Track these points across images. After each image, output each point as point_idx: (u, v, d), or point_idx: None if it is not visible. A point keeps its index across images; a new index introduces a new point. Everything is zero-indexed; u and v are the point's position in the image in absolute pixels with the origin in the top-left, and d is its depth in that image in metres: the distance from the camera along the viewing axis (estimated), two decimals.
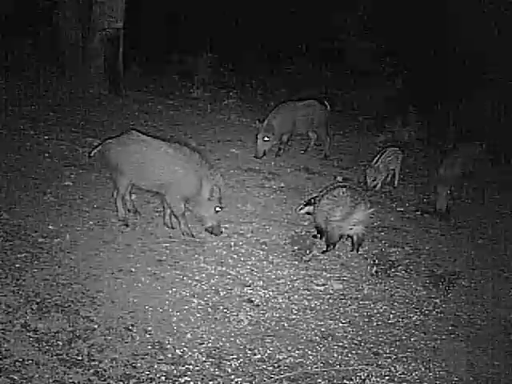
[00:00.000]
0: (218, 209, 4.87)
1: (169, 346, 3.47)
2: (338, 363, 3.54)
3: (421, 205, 6.75)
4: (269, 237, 5.23)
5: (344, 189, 5.04)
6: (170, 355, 3.40)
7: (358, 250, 5.08)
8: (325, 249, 5.03)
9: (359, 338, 3.85)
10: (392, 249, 5.35)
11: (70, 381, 3.02)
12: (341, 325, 3.99)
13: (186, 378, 3.22)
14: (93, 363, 3.19)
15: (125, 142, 4.85)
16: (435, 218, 6.42)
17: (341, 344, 3.76)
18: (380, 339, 3.87)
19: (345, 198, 4.95)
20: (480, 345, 3.94)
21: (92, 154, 5.14)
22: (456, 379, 3.54)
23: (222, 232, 4.99)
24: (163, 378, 3.19)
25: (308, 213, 5.42)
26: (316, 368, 3.47)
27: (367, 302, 4.36)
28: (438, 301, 4.52)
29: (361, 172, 7.36)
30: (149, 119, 8.16)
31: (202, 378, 3.23)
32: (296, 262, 4.83)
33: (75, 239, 4.56)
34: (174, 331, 3.64)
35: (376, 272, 4.80)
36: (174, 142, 4.95)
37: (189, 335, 3.62)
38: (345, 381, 3.38)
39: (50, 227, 4.68)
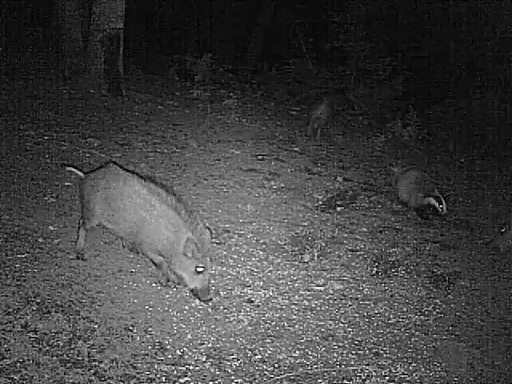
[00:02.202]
0: (199, 269, 3.81)
1: (169, 347, 3.47)
2: (338, 363, 3.54)
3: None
4: (269, 237, 5.23)
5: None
6: (170, 355, 3.39)
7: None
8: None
9: (359, 338, 3.85)
10: (392, 249, 5.35)
11: (70, 381, 3.02)
12: (341, 325, 3.99)
13: (186, 378, 3.22)
14: (93, 363, 3.19)
15: (100, 176, 4.16)
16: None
17: (341, 344, 3.76)
18: (380, 339, 3.87)
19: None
20: (480, 345, 3.94)
21: (68, 169, 4.67)
22: (456, 379, 3.53)
23: (211, 298, 3.94)
24: (163, 378, 3.19)
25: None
26: (316, 368, 3.46)
27: (367, 302, 4.35)
28: (438, 301, 4.51)
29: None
30: (149, 119, 8.16)
31: (202, 379, 3.23)
32: (296, 262, 4.83)
33: (75, 239, 4.56)
34: (174, 331, 3.64)
35: (376, 272, 4.80)
36: (151, 182, 4.08)
37: (189, 335, 3.62)
38: (345, 381, 3.37)
39: (50, 228, 4.68)
